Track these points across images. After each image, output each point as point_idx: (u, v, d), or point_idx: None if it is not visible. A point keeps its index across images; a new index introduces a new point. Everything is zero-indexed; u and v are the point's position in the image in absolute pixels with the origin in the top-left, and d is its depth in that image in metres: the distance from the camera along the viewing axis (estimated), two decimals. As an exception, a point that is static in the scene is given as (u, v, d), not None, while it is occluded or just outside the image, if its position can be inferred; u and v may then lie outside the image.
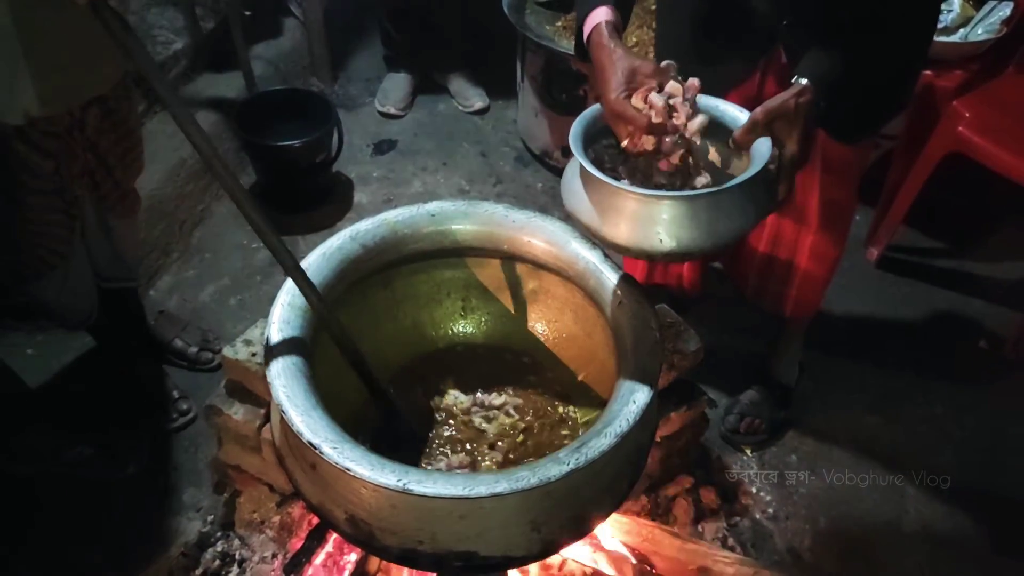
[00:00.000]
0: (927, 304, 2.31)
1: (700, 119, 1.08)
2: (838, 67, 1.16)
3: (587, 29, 1.18)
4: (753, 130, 1.08)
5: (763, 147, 1.08)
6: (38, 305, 1.66)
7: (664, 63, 1.10)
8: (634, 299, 1.18)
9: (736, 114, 1.14)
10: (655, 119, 1.05)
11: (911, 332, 2.24)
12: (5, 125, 1.34)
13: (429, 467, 1.23)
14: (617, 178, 1.08)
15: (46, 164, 1.44)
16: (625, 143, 1.09)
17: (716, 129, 1.15)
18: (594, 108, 1.17)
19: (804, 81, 1.12)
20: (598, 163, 1.11)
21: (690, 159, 1.13)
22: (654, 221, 1.02)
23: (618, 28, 1.17)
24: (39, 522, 1.67)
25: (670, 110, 1.08)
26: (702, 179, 1.11)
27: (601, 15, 1.17)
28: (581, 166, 1.07)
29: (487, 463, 1.24)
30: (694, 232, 1.02)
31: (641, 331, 1.14)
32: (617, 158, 1.17)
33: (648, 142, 1.08)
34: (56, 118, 1.41)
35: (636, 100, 1.08)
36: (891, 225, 2.32)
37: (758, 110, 1.08)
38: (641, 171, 1.14)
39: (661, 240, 1.02)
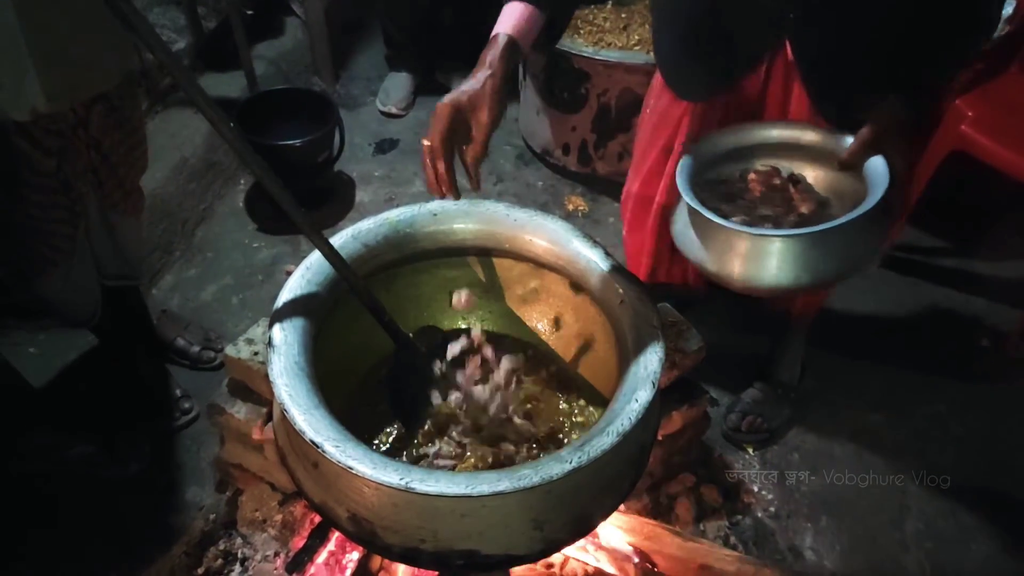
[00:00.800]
0: (930, 302, 2.31)
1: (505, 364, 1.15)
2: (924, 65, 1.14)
3: (499, 26, 1.15)
4: (863, 149, 1.09)
5: (879, 167, 1.07)
6: (41, 303, 1.67)
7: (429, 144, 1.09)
8: (636, 298, 1.18)
9: (841, 137, 1.14)
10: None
11: (913, 330, 2.23)
12: (7, 122, 1.35)
13: (431, 446, 1.23)
14: (723, 215, 1.09)
15: (48, 162, 1.44)
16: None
17: (809, 151, 1.17)
18: (689, 156, 1.19)
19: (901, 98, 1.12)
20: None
21: (791, 189, 1.14)
22: (791, 257, 1.01)
23: (518, 48, 1.13)
24: (41, 521, 1.67)
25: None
26: (805, 208, 1.11)
27: (513, 19, 1.12)
28: (694, 211, 1.08)
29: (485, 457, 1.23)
30: (827, 263, 1.02)
31: (643, 330, 1.13)
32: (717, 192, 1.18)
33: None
34: (59, 115, 1.41)
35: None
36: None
37: (865, 129, 1.09)
38: (744, 206, 1.15)
39: (798, 276, 1.01)
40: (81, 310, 1.72)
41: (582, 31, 2.47)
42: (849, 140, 1.14)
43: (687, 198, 1.10)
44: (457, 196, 1.13)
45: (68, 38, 1.34)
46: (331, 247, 1.11)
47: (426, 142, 1.09)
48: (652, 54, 2.36)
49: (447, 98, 1.09)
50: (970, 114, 2.07)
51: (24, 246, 1.52)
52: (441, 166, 1.09)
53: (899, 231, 2.32)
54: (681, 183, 1.13)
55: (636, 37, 2.43)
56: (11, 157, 1.40)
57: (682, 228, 1.16)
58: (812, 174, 1.23)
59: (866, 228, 1.03)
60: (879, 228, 1.07)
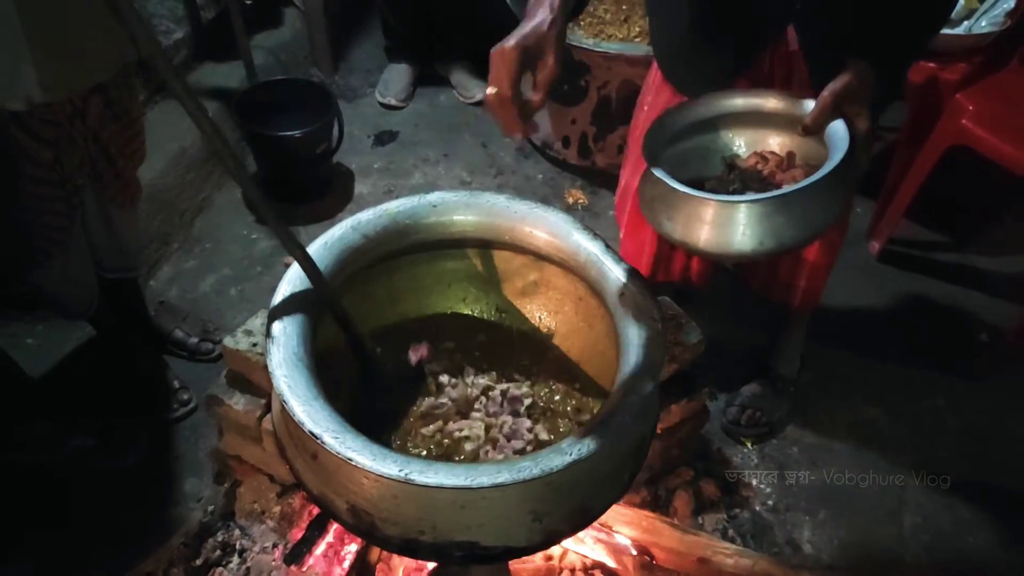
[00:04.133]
0: (928, 297, 2.31)
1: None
2: (891, 35, 1.15)
3: None
4: (824, 114, 1.10)
5: (840, 131, 1.09)
6: (38, 294, 1.66)
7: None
8: (636, 291, 1.18)
9: (804, 101, 1.15)
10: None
11: (912, 325, 2.23)
12: (3, 112, 1.34)
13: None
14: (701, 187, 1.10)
15: (45, 153, 1.43)
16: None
17: (773, 118, 1.18)
18: (655, 127, 1.19)
19: (860, 62, 1.13)
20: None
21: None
22: (741, 223, 1.03)
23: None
24: (40, 512, 1.67)
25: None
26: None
27: None
28: (660, 181, 1.09)
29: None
30: (790, 228, 1.02)
31: (643, 323, 1.13)
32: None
33: None
34: (55, 106, 1.40)
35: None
36: (893, 218, 2.32)
37: (825, 93, 1.10)
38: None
39: (761, 242, 1.02)
40: (78, 301, 1.71)
41: (582, 23, 2.46)
42: (811, 105, 1.14)
43: (654, 168, 1.11)
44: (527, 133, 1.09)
45: (65, 28, 1.33)
46: (304, 253, 1.09)
47: (492, 90, 1.03)
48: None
49: (513, 41, 1.02)
50: (970, 108, 2.06)
51: (21, 237, 1.52)
52: (515, 111, 1.04)
53: (892, 226, 2.32)
54: (647, 154, 1.14)
55: (637, 29, 2.42)
56: (8, 147, 1.39)
57: (648, 199, 1.16)
58: (777, 140, 1.24)
59: (827, 191, 1.04)
60: (841, 190, 1.08)
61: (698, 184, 1.15)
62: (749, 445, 1.90)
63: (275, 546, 1.56)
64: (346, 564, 1.46)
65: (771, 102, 1.21)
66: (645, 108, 1.63)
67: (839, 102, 1.10)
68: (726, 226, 1.04)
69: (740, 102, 1.25)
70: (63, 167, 1.48)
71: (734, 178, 1.20)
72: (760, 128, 1.25)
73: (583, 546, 1.46)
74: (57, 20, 1.31)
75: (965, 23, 2.22)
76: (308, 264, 1.09)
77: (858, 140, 1.10)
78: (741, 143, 1.27)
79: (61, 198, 1.51)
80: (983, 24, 2.19)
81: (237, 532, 1.59)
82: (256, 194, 1.04)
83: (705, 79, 1.44)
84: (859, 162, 1.12)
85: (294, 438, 1.11)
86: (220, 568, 1.54)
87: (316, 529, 1.48)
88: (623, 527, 1.48)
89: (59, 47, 1.33)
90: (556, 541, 1.07)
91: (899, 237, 2.41)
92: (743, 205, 1.03)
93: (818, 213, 1.04)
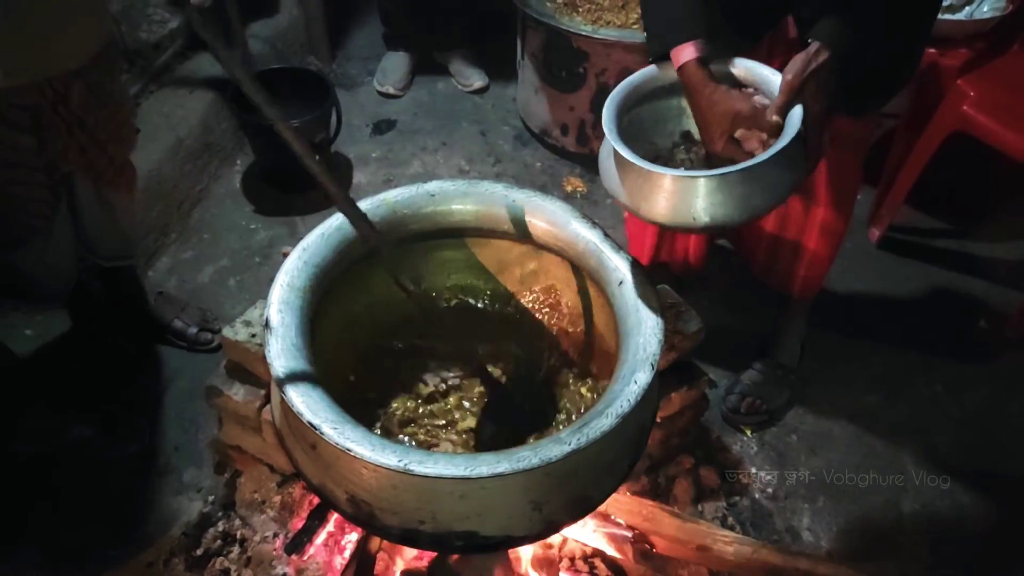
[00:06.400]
0: (929, 284, 2.31)
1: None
2: (850, 33, 1.16)
3: (677, 59, 1.19)
4: (789, 102, 1.11)
5: (795, 115, 1.12)
6: (11, 275, 1.65)
7: (761, 103, 1.14)
8: (635, 279, 1.17)
9: (769, 76, 1.18)
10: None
11: (912, 312, 2.23)
12: None
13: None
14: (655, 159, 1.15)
15: (24, 139, 1.42)
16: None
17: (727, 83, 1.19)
18: (621, 87, 1.21)
19: (818, 42, 1.14)
20: (633, 139, 1.15)
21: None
22: (690, 198, 1.07)
23: (706, 62, 1.18)
24: (40, 503, 1.67)
25: None
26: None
27: (690, 52, 1.17)
28: (619, 154, 1.11)
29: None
30: (729, 207, 1.06)
31: (642, 311, 1.13)
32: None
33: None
34: (25, 91, 1.38)
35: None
36: (893, 205, 2.31)
37: (786, 82, 1.12)
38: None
39: (695, 217, 1.07)
40: (51, 287, 1.70)
41: (580, 9, 2.44)
42: (772, 78, 1.16)
43: (614, 142, 1.12)
44: None
45: (26, 14, 1.31)
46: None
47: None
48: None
49: (718, 146, 1.18)
50: (972, 94, 2.05)
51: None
52: None
53: (893, 213, 2.32)
54: (607, 126, 1.15)
55: (635, 16, 2.40)
56: None
57: (608, 169, 1.18)
58: None
59: (780, 166, 1.08)
60: (794, 166, 1.11)
61: (652, 154, 1.21)
62: (749, 433, 1.90)
63: (276, 536, 1.56)
64: (346, 554, 1.46)
65: (736, 71, 1.22)
66: None
67: (801, 86, 1.12)
68: (681, 200, 1.08)
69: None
70: (48, 155, 1.47)
71: (686, 151, 1.25)
72: None
73: (583, 534, 1.47)
74: (20, 5, 1.29)
75: (967, 8, 2.20)
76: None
77: (808, 124, 1.12)
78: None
79: (42, 184, 1.49)
80: (985, 9, 2.17)
81: (238, 522, 1.59)
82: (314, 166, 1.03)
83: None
84: (811, 145, 1.14)
85: (293, 428, 1.11)
86: (221, 558, 1.54)
87: (316, 519, 1.48)
88: (623, 515, 1.48)
89: (23, 32, 1.31)
90: (556, 530, 1.08)
91: (899, 224, 2.40)
92: (700, 180, 1.07)
93: (771, 187, 1.08)
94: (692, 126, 1.26)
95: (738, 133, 1.16)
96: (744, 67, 1.22)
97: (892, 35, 1.28)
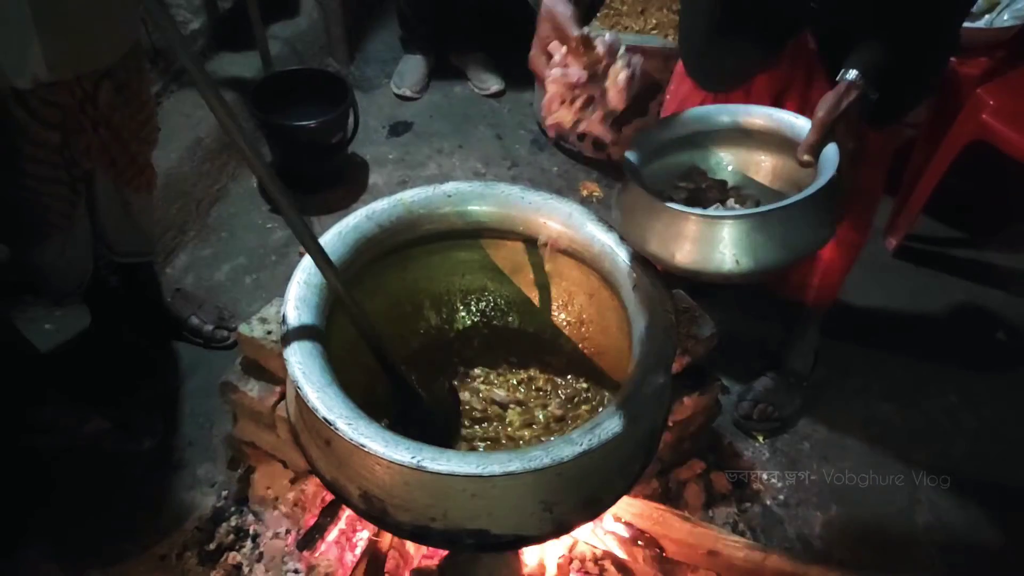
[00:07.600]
0: (945, 294, 2.29)
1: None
2: (885, 55, 1.14)
3: None
4: (821, 140, 1.08)
5: (831, 155, 1.07)
6: (30, 268, 1.67)
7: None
8: (649, 282, 1.18)
9: (792, 120, 1.13)
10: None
11: (928, 322, 2.22)
12: (5, 90, 1.35)
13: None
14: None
15: (49, 136, 1.44)
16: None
17: (774, 139, 1.16)
18: (637, 143, 1.18)
19: (852, 75, 1.11)
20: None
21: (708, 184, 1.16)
22: (722, 242, 1.02)
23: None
24: (54, 496, 1.69)
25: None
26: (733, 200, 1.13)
27: None
28: (639, 194, 1.09)
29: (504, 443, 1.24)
30: (769, 249, 1.01)
31: (656, 315, 1.13)
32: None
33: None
34: (62, 89, 1.41)
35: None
36: (910, 214, 2.30)
37: (819, 120, 1.08)
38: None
39: (737, 261, 1.01)
40: (68, 283, 1.72)
41: (599, 14, 2.45)
42: (796, 123, 1.12)
43: (636, 182, 1.10)
44: None
45: (72, 8, 1.34)
46: (324, 256, 1.07)
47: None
48: (669, 38, 2.35)
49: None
50: (991, 103, 2.04)
51: (18, 215, 1.53)
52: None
53: (910, 222, 2.30)
54: (629, 169, 1.13)
55: (653, 21, 2.41)
56: (8, 126, 1.39)
57: (626, 212, 1.15)
58: (765, 159, 1.22)
59: (811, 211, 1.03)
60: (825, 212, 1.06)
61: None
62: (761, 440, 1.89)
63: (288, 532, 1.57)
64: (358, 551, 1.47)
65: (758, 121, 1.19)
66: (667, 96, 1.63)
67: (834, 126, 1.08)
68: (705, 243, 1.03)
69: (726, 119, 1.22)
70: (71, 152, 1.49)
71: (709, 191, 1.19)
72: (747, 147, 1.23)
73: (593, 536, 1.47)
74: (63, 1, 1.31)
75: (987, 16, 2.19)
76: (322, 259, 1.07)
77: (842, 161, 1.08)
78: (730, 163, 1.25)
79: (64, 181, 1.51)
80: (1005, 18, 2.16)
81: (251, 517, 1.61)
82: (272, 184, 1.03)
83: (727, 74, 1.44)
84: (843, 182, 1.09)
85: (308, 424, 1.11)
86: (233, 552, 1.55)
87: (329, 515, 1.49)
88: (633, 518, 1.48)
89: (65, 26, 1.34)
90: (566, 531, 1.08)
91: (917, 233, 2.39)
92: (726, 222, 1.02)
93: (801, 233, 1.03)
94: (699, 161, 1.24)
95: (551, 46, 1.03)
96: (764, 114, 1.18)
97: (923, 55, 1.25)
